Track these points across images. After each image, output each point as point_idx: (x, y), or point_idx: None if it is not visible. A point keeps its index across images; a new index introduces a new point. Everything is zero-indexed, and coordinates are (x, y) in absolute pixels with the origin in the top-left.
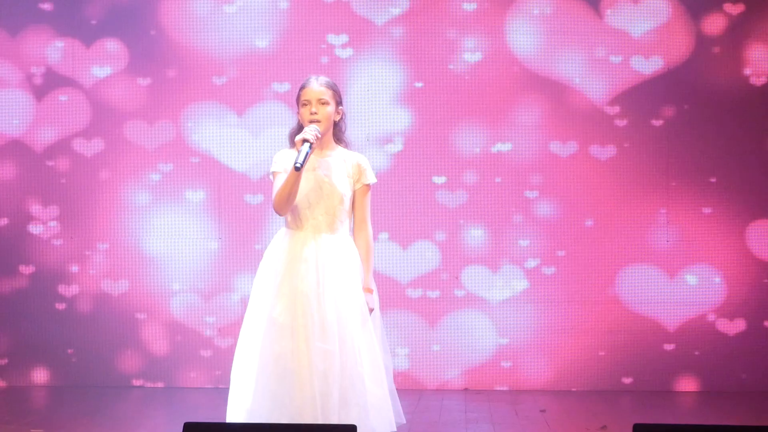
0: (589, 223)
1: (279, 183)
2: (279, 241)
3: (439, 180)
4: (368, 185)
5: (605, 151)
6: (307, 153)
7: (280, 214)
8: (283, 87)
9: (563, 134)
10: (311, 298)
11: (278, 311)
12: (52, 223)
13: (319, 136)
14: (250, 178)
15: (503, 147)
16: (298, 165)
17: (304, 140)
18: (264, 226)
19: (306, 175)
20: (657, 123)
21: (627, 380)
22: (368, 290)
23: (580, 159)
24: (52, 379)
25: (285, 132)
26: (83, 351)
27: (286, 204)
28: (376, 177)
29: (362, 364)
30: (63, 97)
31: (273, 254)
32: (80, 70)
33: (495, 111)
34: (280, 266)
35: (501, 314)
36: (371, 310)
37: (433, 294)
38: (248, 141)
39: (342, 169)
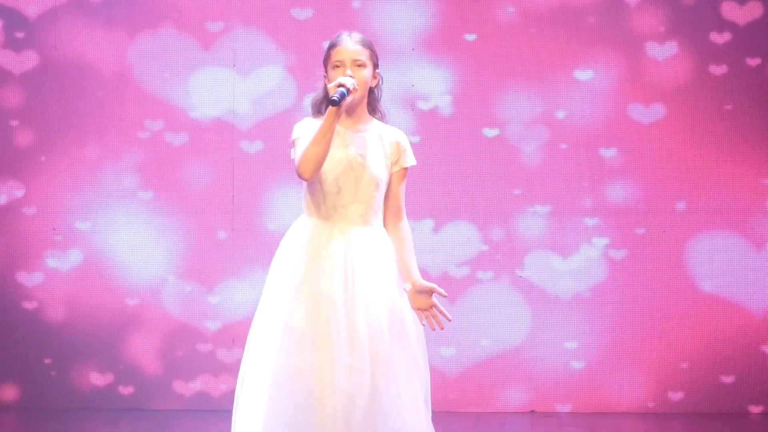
0: (680, 206)
1: (304, 144)
2: (299, 231)
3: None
4: (406, 168)
5: (699, 117)
6: (343, 93)
7: (304, 177)
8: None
9: (646, 95)
10: (338, 303)
11: (297, 318)
12: (19, 192)
13: (357, 88)
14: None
15: (568, 110)
16: (335, 98)
17: (340, 84)
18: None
19: (336, 154)
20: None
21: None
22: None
23: (668, 126)
24: (25, 398)
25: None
26: (65, 361)
27: (314, 161)
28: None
29: (397, 386)
30: None
31: (291, 247)
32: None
33: (559, 65)
34: (300, 263)
35: (570, 311)
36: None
37: (484, 283)
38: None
39: (378, 149)
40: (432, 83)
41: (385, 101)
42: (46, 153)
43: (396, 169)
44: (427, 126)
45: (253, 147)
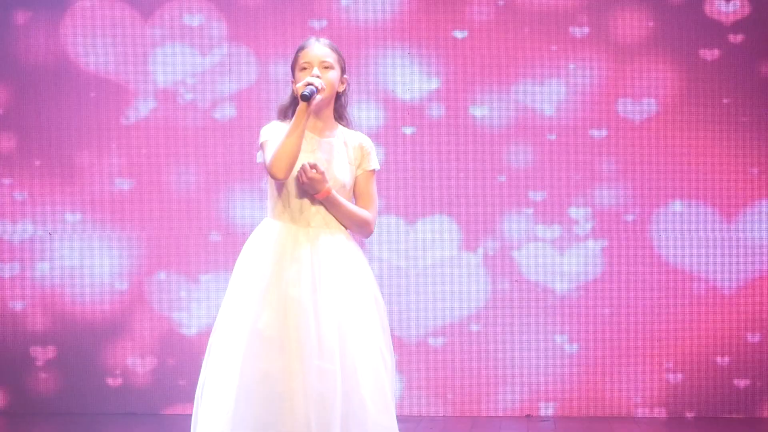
0: (677, 206)
1: (275, 145)
2: (264, 234)
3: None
4: (372, 171)
5: (689, 111)
6: (313, 90)
7: (278, 177)
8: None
9: (636, 89)
10: (306, 307)
11: (264, 322)
12: (7, 180)
13: (324, 88)
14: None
15: (554, 106)
16: (305, 93)
17: (309, 83)
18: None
19: (303, 158)
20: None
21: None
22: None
23: (658, 120)
24: (12, 403)
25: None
26: (56, 362)
27: (287, 159)
28: (398, 151)
29: (367, 387)
30: None
31: (256, 251)
32: None
33: (542, 59)
34: (265, 267)
35: (565, 309)
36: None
37: (471, 280)
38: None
39: (343, 154)
40: (419, 78)
41: (374, 97)
42: (34, 151)
43: (359, 172)
44: (416, 120)
45: (241, 137)
